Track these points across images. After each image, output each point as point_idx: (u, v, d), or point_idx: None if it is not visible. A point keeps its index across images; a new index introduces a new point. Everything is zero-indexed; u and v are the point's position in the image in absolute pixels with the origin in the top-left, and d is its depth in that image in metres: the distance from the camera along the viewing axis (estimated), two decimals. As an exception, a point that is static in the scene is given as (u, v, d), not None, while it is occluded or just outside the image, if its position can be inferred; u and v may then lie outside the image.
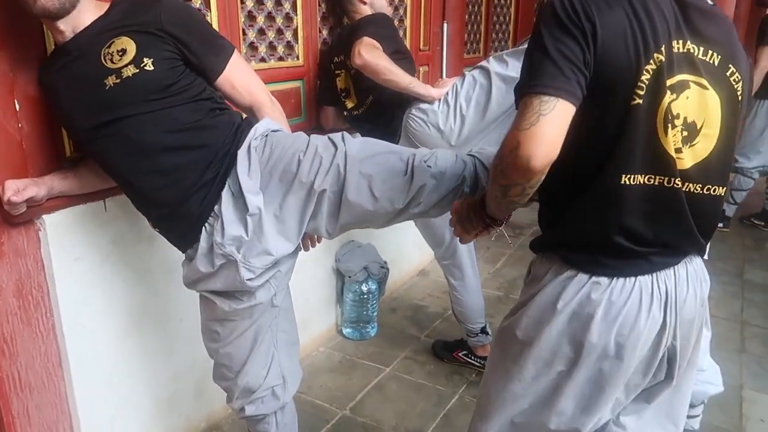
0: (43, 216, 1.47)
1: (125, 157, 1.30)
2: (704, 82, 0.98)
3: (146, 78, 1.25)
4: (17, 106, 1.38)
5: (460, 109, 1.99)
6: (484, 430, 1.20)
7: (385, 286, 2.73)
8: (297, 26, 2.22)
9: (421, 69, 2.93)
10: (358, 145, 1.35)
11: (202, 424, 2.04)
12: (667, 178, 0.99)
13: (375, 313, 2.63)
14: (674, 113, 0.96)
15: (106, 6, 1.33)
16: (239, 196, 1.29)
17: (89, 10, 1.30)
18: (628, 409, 1.17)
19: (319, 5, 2.31)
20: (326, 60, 2.27)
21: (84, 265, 1.58)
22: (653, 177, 0.98)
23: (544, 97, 0.89)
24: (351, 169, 1.31)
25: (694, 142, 0.99)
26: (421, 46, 2.93)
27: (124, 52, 1.25)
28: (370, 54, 1.91)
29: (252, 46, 2.07)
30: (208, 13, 1.85)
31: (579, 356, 1.05)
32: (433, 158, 1.35)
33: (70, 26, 1.28)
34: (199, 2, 1.82)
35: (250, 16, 2.04)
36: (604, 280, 1.03)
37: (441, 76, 3.08)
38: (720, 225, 3.64)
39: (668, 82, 0.94)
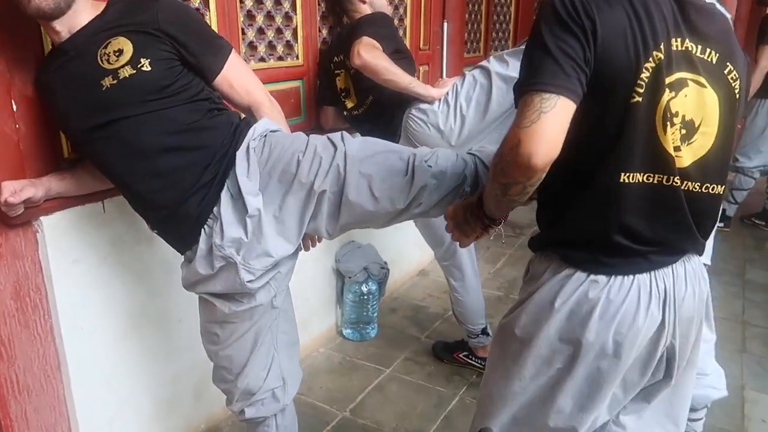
0: (41, 217, 1.47)
1: (122, 159, 1.29)
2: (702, 80, 0.98)
3: (143, 78, 1.24)
4: (14, 107, 1.38)
5: (461, 109, 1.98)
6: (487, 428, 1.20)
7: (385, 286, 2.72)
8: (296, 26, 2.21)
9: (421, 68, 2.92)
10: (357, 145, 1.35)
11: (202, 426, 2.03)
12: (666, 177, 0.99)
13: (375, 314, 2.63)
14: (673, 111, 0.96)
15: (102, 6, 1.31)
16: (238, 198, 1.28)
17: (85, 10, 1.28)
18: (628, 408, 1.16)
19: (319, 4, 2.30)
20: (326, 60, 2.26)
21: (82, 266, 1.57)
22: (652, 175, 0.98)
23: (545, 94, 0.89)
24: (351, 169, 1.30)
25: (692, 140, 0.99)
26: (421, 46, 2.93)
27: (120, 52, 1.24)
28: (369, 54, 1.91)
29: (251, 46, 2.07)
30: (207, 13, 1.84)
31: (577, 354, 1.05)
32: (434, 158, 1.34)
33: (66, 26, 1.27)
34: (198, 1, 1.81)
35: (249, 16, 2.04)
36: (602, 278, 1.03)
37: (441, 76, 3.07)
38: (721, 225, 3.65)
39: (667, 80, 0.94)
